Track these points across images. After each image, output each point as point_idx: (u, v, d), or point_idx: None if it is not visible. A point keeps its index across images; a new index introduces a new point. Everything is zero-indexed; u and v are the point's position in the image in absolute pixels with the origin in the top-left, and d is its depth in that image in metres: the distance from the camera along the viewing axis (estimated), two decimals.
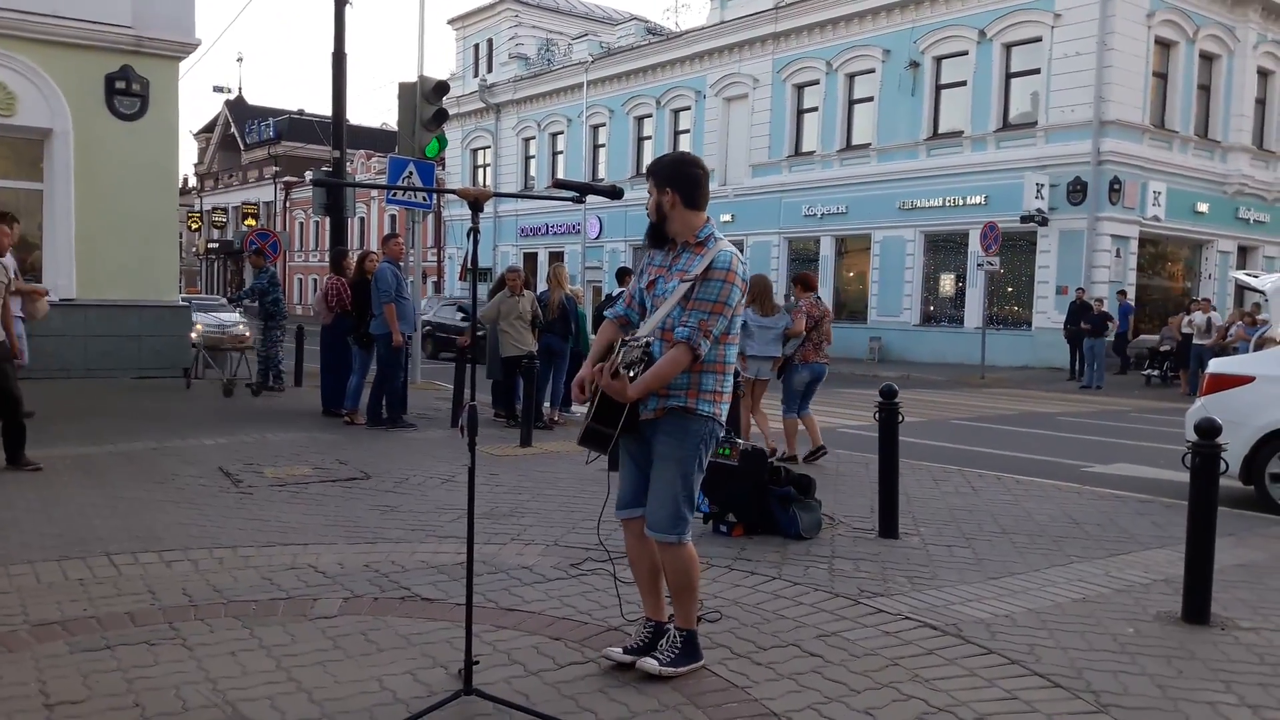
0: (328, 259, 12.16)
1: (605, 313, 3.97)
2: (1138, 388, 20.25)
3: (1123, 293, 22.19)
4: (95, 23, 13.67)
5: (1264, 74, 25.92)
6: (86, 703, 3.27)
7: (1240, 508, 7.23)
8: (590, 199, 3.83)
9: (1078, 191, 22.74)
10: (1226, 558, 5.42)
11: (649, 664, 3.60)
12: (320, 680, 3.52)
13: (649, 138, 33.49)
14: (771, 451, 8.04)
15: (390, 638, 3.97)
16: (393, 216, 47.07)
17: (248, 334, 22.07)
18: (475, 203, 3.37)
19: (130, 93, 14.02)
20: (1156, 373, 20.84)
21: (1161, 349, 20.99)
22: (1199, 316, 19.26)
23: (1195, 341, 18.91)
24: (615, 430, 3.49)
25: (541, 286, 12.15)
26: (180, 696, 3.34)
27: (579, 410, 3.25)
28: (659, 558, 3.69)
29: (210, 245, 63.49)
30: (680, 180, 3.64)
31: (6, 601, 4.28)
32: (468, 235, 3.43)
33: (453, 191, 3.53)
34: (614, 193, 3.70)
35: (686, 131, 32.35)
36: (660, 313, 3.53)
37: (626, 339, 3.59)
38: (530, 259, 37.46)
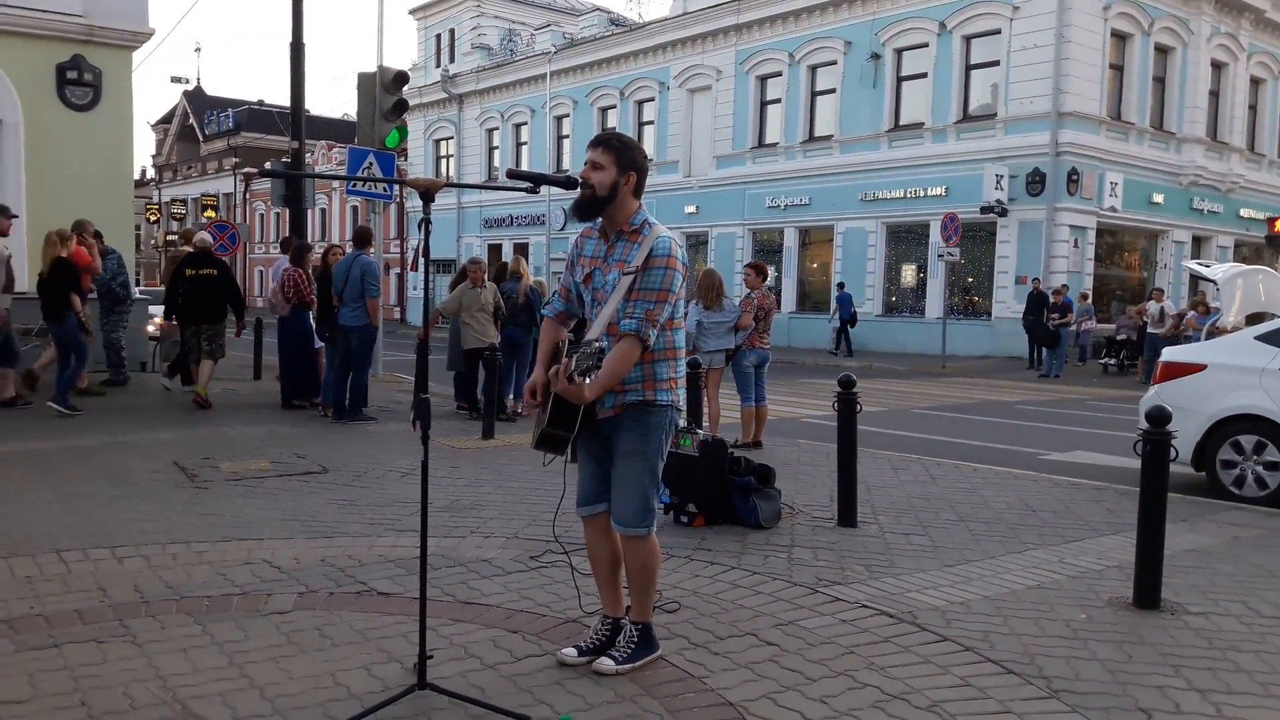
0: (290, 250, 11.92)
1: (543, 310, 3.92)
2: (1096, 376, 20.54)
3: (1084, 295, 22.43)
4: (45, 11, 13.39)
5: (1217, 66, 26.34)
6: (31, 702, 3.21)
7: (1193, 494, 7.36)
8: (556, 190, 3.76)
9: (1036, 183, 22.99)
10: (1178, 543, 5.52)
11: (605, 664, 3.57)
12: (273, 676, 3.48)
13: (613, 128, 33.41)
14: (735, 442, 8.09)
15: (345, 633, 3.93)
16: (354, 207, 46.62)
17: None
18: (426, 193, 3.33)
19: (82, 83, 13.74)
20: (1114, 361, 21.16)
21: (1119, 338, 21.31)
22: (1152, 305, 19.64)
23: (1150, 330, 19.32)
24: (572, 432, 3.45)
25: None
26: (128, 695, 3.29)
27: None
28: (621, 552, 3.68)
29: (169, 237, 62.56)
30: (640, 168, 3.58)
31: None
32: (419, 226, 3.39)
33: (403, 182, 3.49)
34: (570, 183, 3.63)
35: (651, 123, 32.32)
36: (608, 310, 3.47)
37: (577, 342, 3.54)
38: (494, 250, 37.27)
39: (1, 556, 4.84)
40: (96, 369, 12.14)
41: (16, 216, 10.83)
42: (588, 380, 3.32)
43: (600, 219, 3.61)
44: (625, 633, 3.68)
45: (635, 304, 3.44)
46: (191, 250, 11.59)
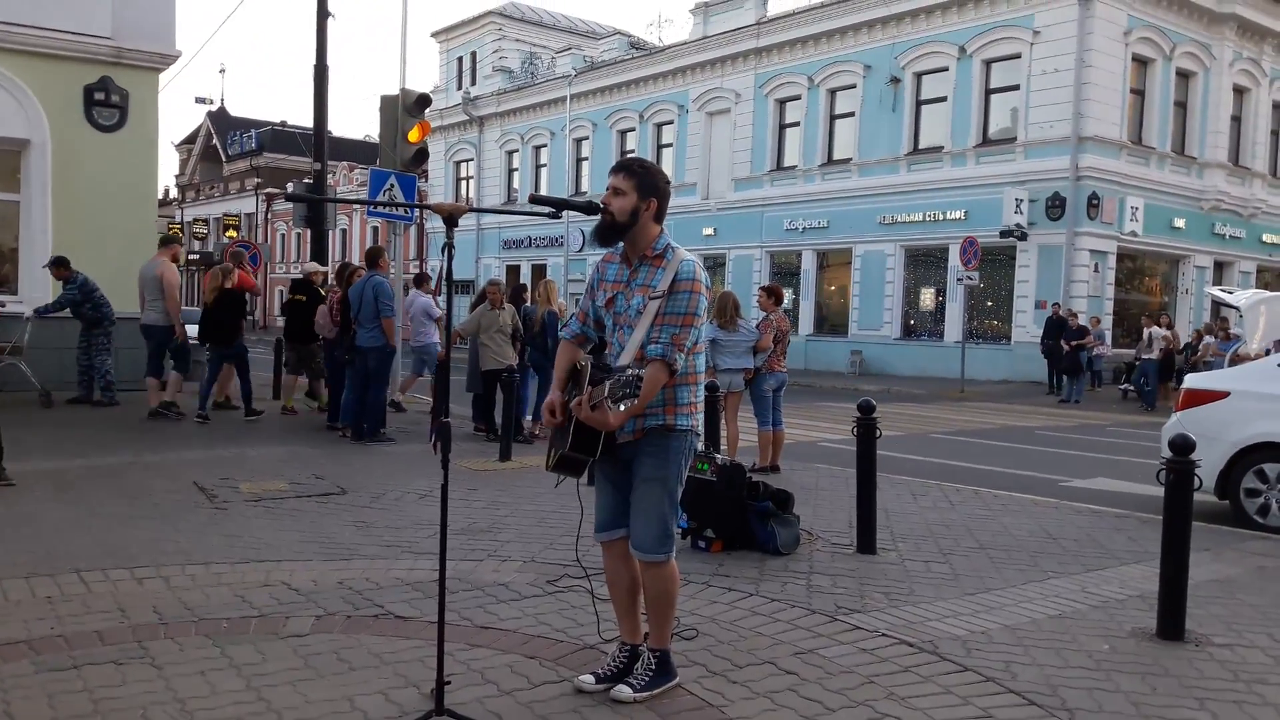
0: (335, 272, 12.54)
1: (560, 333, 3.92)
2: (1115, 402, 20.39)
3: (1095, 320, 22.12)
4: (74, 34, 13.59)
5: (1239, 91, 26.23)
6: None
7: (1216, 523, 7.27)
8: (574, 213, 3.79)
9: (1056, 207, 22.92)
10: (1201, 573, 5.45)
11: (623, 692, 3.55)
12: (291, 700, 3.47)
13: (632, 151, 33.53)
14: (753, 466, 8.07)
15: (363, 657, 3.93)
16: (375, 229, 46.91)
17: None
18: (450, 218, 3.35)
19: (109, 104, 13.93)
20: (1133, 388, 20.97)
21: (1137, 363, 21.10)
22: (1145, 332, 19.40)
23: (1141, 357, 19.14)
24: (593, 457, 3.45)
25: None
26: (147, 717, 3.29)
27: None
28: (640, 577, 3.66)
29: (191, 257, 63.03)
30: (662, 194, 3.58)
31: None
32: (442, 250, 3.40)
33: (428, 207, 3.51)
34: (591, 209, 3.65)
35: (669, 145, 32.44)
36: (637, 336, 3.47)
37: (598, 367, 3.53)
38: (513, 271, 37.43)
39: (22, 576, 4.87)
40: (63, 387, 12.29)
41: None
42: (622, 407, 3.30)
43: (622, 244, 3.62)
44: (643, 660, 3.66)
45: (661, 329, 3.44)
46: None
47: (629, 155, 30.93)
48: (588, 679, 3.66)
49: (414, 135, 13.72)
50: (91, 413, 11.65)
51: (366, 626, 4.31)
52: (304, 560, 5.38)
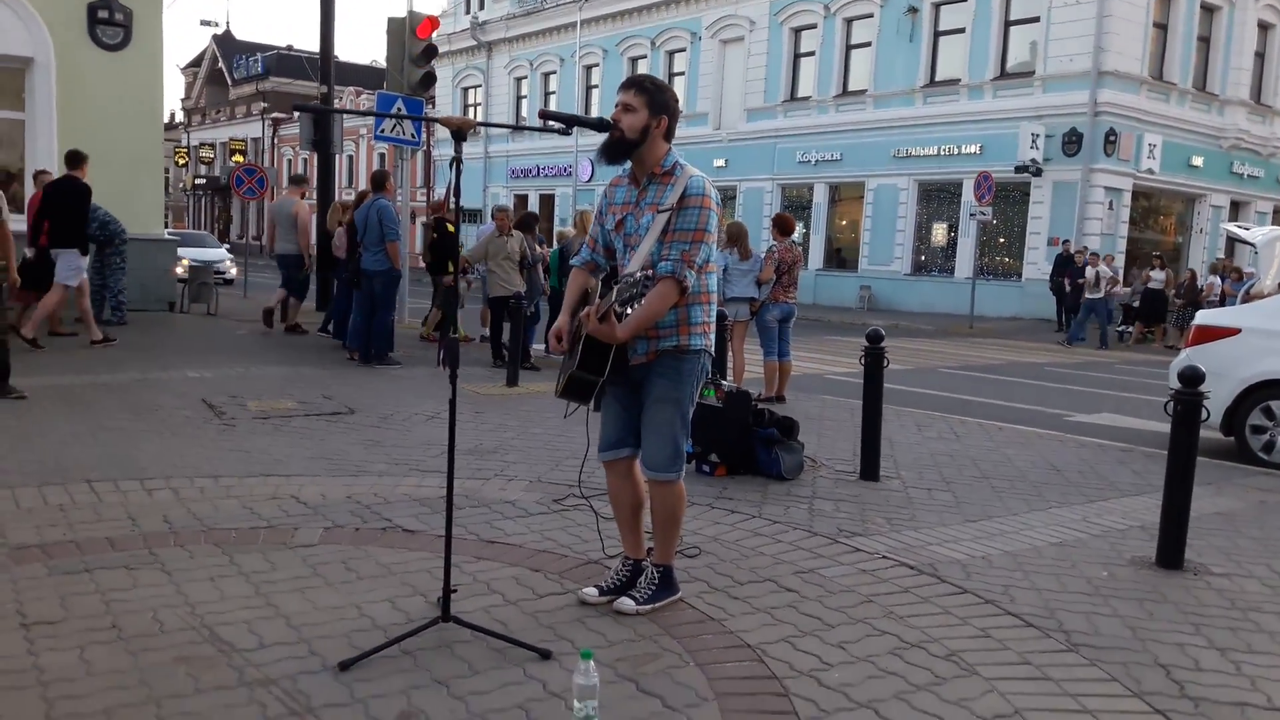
0: (353, 197, 12.58)
1: (571, 261, 3.88)
2: (1119, 340, 20.32)
3: (1109, 258, 21.89)
4: None
5: (1264, 27, 25.68)
6: (63, 623, 3.28)
7: (1221, 458, 7.29)
8: (583, 141, 3.73)
9: (1073, 142, 22.60)
10: (1204, 506, 5.48)
11: (625, 604, 3.60)
12: (299, 606, 3.53)
13: None
14: (758, 396, 8.09)
15: (370, 567, 3.98)
16: (381, 154, 46.51)
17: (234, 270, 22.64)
18: (458, 132, 3.30)
19: (113, 22, 13.73)
20: (1129, 328, 20.83)
21: (1134, 304, 20.95)
22: (1089, 271, 19.07)
23: (1087, 295, 18.75)
24: (602, 376, 3.42)
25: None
26: (158, 619, 3.35)
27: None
28: (645, 495, 3.69)
29: (197, 181, 62.77)
30: (672, 112, 3.52)
31: None
32: (450, 165, 3.36)
33: (436, 120, 3.45)
34: (602, 125, 3.58)
35: (681, 74, 31.94)
36: (644, 248, 3.42)
37: (614, 280, 3.49)
38: (521, 200, 37.18)
39: (34, 485, 4.93)
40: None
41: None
42: (630, 310, 3.28)
43: (630, 164, 3.57)
44: (646, 574, 3.70)
45: (671, 245, 3.40)
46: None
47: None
48: (591, 591, 3.71)
49: (421, 32, 13.75)
50: (109, 331, 11.67)
51: (374, 539, 4.36)
52: (312, 475, 5.43)
